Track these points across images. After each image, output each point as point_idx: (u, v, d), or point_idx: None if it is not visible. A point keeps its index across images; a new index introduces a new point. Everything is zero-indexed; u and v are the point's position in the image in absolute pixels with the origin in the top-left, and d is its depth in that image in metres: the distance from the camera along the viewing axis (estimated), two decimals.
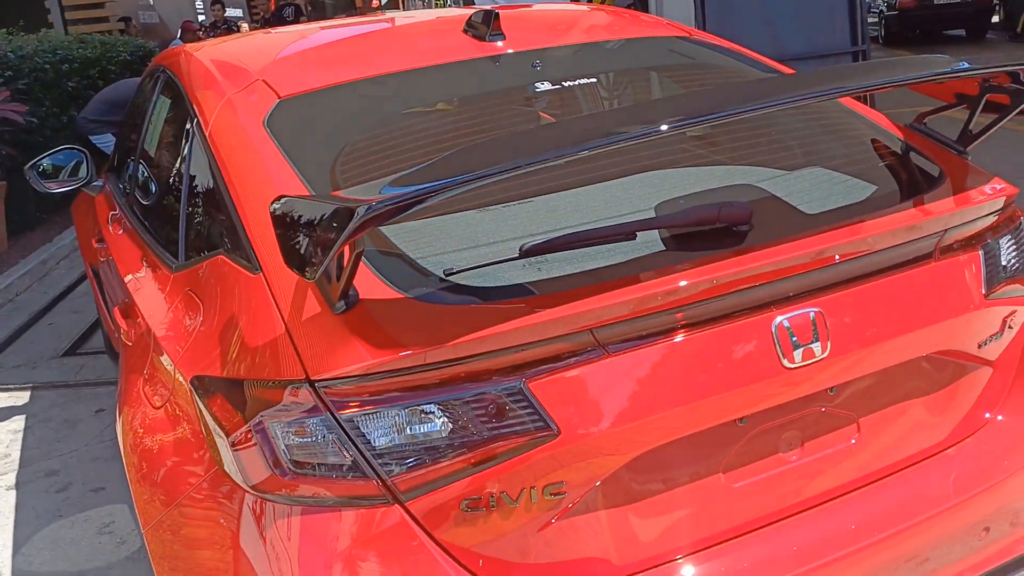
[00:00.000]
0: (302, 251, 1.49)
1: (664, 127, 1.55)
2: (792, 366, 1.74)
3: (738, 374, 1.71)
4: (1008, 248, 2.07)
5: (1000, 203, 2.04)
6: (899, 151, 2.23)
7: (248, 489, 1.66)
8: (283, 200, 1.59)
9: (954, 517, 1.89)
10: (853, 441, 1.91)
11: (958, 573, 1.92)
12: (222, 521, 1.74)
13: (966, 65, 1.99)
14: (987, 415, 2.08)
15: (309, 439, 1.58)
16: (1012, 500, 1.97)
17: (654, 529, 1.74)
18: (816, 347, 1.76)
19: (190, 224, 2.30)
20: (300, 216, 1.51)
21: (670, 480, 1.76)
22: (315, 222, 1.46)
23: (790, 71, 2.54)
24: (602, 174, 2.06)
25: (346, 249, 1.52)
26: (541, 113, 2.37)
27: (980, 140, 2.19)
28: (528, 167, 1.49)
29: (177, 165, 2.54)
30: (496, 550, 1.63)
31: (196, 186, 2.31)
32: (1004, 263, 2.05)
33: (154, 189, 2.85)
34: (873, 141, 2.29)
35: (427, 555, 1.59)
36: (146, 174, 3.02)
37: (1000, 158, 7.29)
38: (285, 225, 1.54)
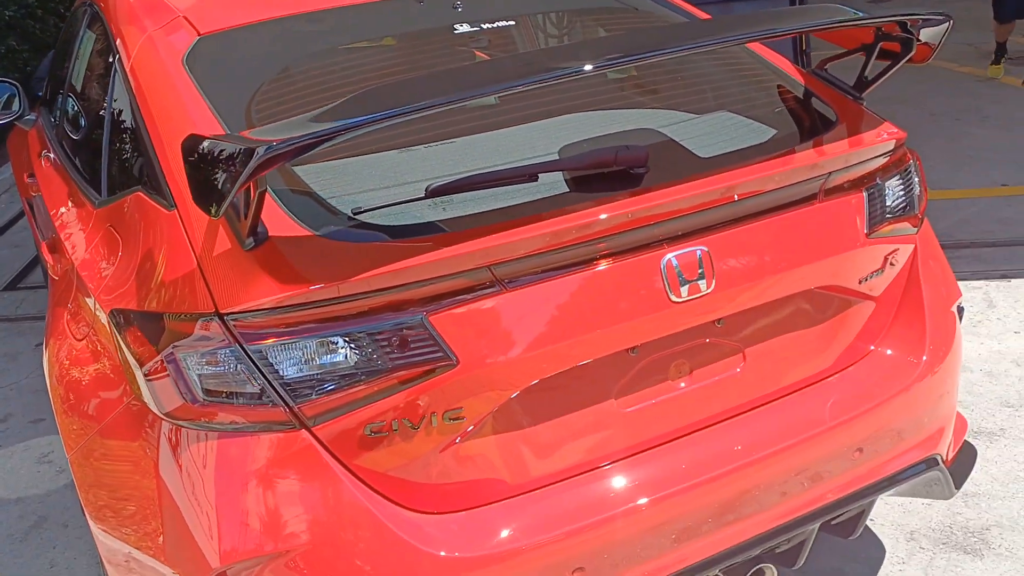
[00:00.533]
0: (207, 189, 1.56)
1: (570, 70, 1.65)
2: (679, 300, 1.86)
3: (628, 308, 1.83)
4: (894, 189, 2.20)
5: (887, 147, 2.16)
6: (800, 96, 2.34)
7: (162, 416, 1.75)
8: (192, 138, 1.65)
9: (830, 439, 2.05)
10: (738, 369, 2.05)
11: (831, 491, 2.08)
12: (141, 448, 1.83)
13: (862, 14, 2.09)
14: (871, 347, 2.24)
15: (219, 369, 1.67)
16: (884, 425, 2.13)
17: (549, 451, 1.87)
18: (702, 283, 1.88)
19: (112, 161, 2.34)
20: (207, 154, 1.58)
21: (565, 405, 1.88)
22: (219, 161, 1.53)
23: (706, 16, 2.62)
24: (517, 117, 2.14)
25: (252, 187, 1.59)
26: (462, 54, 2.43)
27: (874, 87, 2.31)
28: (427, 110, 1.56)
29: (101, 101, 2.57)
30: (400, 472, 1.75)
31: (118, 123, 2.34)
32: (889, 203, 2.18)
33: (80, 125, 2.86)
34: (778, 87, 2.39)
35: (334, 476, 1.70)
36: (73, 109, 3.03)
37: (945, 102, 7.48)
38: (193, 163, 1.61)
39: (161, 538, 1.80)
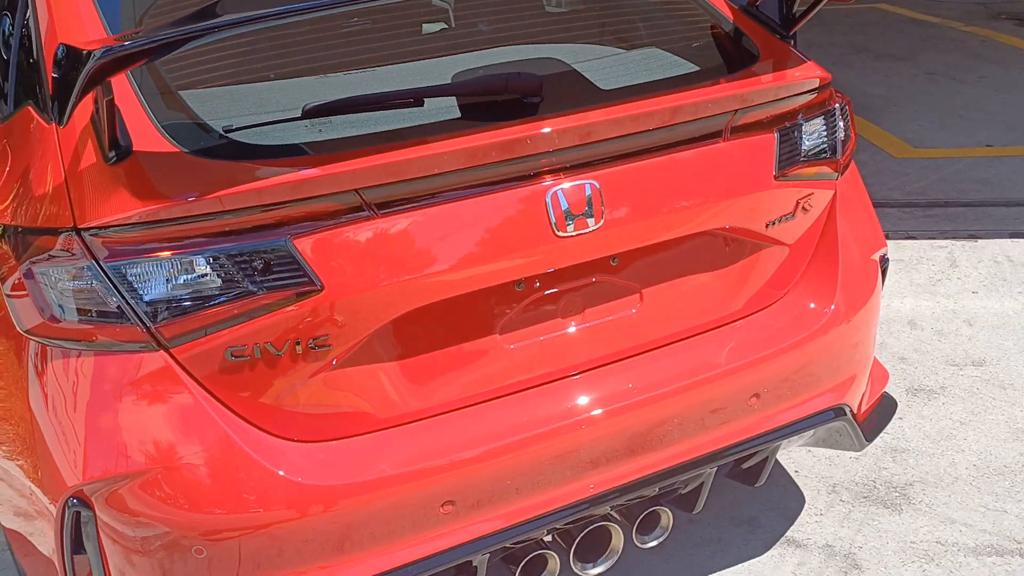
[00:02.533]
0: (58, 95, 1.51)
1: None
2: (564, 235, 1.80)
3: (509, 241, 1.78)
4: (811, 132, 2.12)
5: (804, 87, 2.08)
6: (725, 32, 2.25)
7: (23, 333, 1.72)
8: (60, 47, 1.60)
9: (725, 383, 2.01)
10: (634, 310, 2.00)
11: (727, 435, 2.04)
12: (10, 364, 1.80)
13: None
14: (781, 294, 2.18)
15: (76, 286, 1.64)
16: (785, 372, 2.08)
17: (426, 384, 1.84)
18: (590, 219, 1.82)
19: (17, 76, 2.29)
20: (60, 61, 1.53)
21: (444, 338, 1.84)
22: (67, 66, 1.48)
23: None
24: (428, 48, 2.08)
25: (101, 96, 1.55)
26: None
27: (800, 24, 2.21)
28: (282, 19, 1.51)
29: (8, 14, 2.50)
30: (266, 398, 1.72)
31: (22, 38, 2.28)
32: (805, 146, 2.11)
33: None
34: (707, 24, 2.30)
35: (193, 399, 1.67)
36: None
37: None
38: (56, 72, 1.56)
39: (26, 454, 1.79)
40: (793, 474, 2.82)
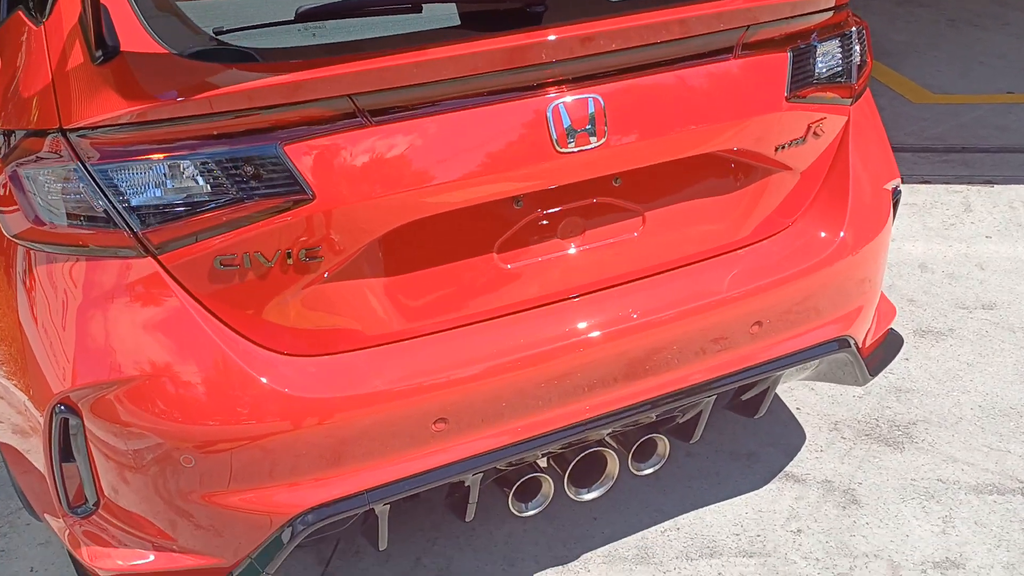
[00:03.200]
0: None
1: None
2: (565, 151, 1.75)
3: (508, 155, 1.73)
4: (826, 54, 2.05)
5: (821, 5, 2.00)
6: None
7: (10, 238, 1.68)
8: None
9: (727, 309, 1.96)
10: (636, 234, 1.95)
11: (727, 363, 2.00)
12: (2, 279, 1.77)
13: None
14: (789, 222, 2.12)
15: (62, 188, 1.60)
16: (789, 300, 2.03)
17: (421, 301, 1.80)
18: (593, 136, 1.76)
19: None
20: None
21: (439, 255, 1.80)
22: None
23: None
24: None
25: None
26: None
27: None
28: None
29: None
30: (254, 310, 1.68)
31: None
32: (819, 68, 2.03)
33: None
34: None
35: (181, 308, 1.64)
36: None
37: None
38: None
39: (18, 367, 1.76)
40: (794, 411, 2.79)
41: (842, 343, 2.15)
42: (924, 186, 4.22)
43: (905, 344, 3.05)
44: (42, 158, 1.61)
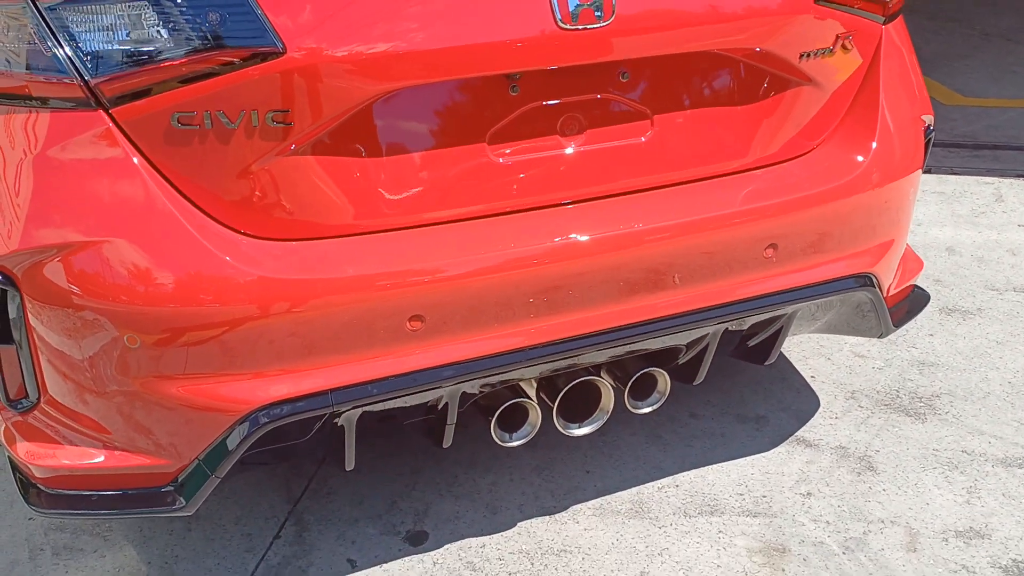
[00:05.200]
0: None
1: None
2: (567, 27, 1.59)
3: (505, 24, 1.57)
4: None
5: None
6: None
7: None
8: None
9: (739, 226, 1.79)
10: (643, 139, 1.78)
11: (737, 287, 1.82)
12: None
13: None
14: (813, 144, 1.95)
15: (10, 29, 1.46)
16: (807, 225, 1.85)
17: (401, 186, 1.63)
18: (598, 12, 1.60)
19: None
20: None
21: (424, 137, 1.64)
22: None
23: None
24: None
25: None
26: None
27: None
28: None
29: None
30: (213, 180, 1.52)
31: None
32: None
33: None
34: None
35: (134, 169, 1.48)
36: None
37: None
38: None
39: None
40: (809, 379, 2.59)
41: (864, 280, 1.96)
42: (953, 176, 4.03)
43: (930, 320, 2.88)
44: None
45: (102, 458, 1.61)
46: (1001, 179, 4.01)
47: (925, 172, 4.06)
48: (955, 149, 4.41)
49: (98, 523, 2.10)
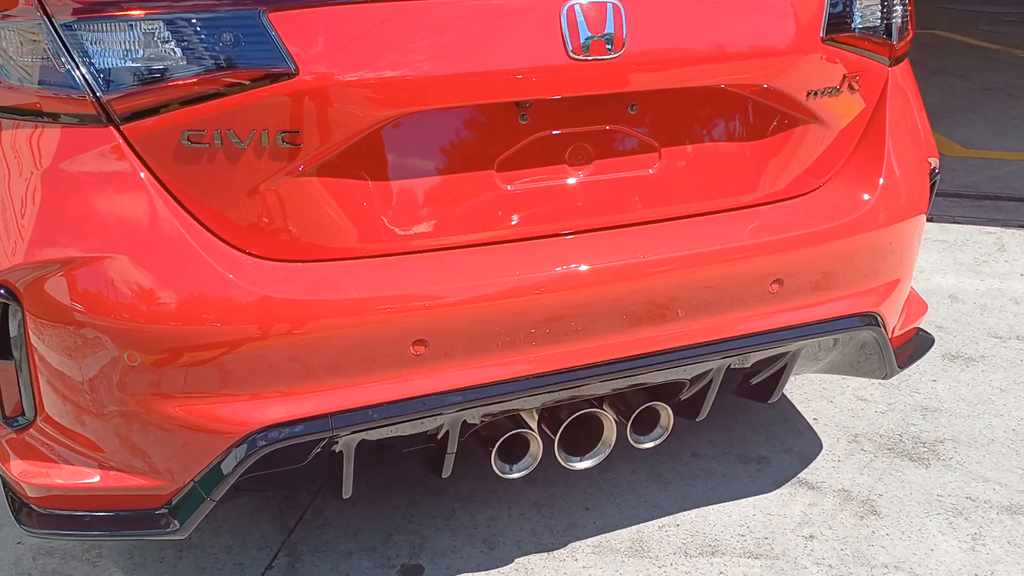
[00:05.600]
0: None
1: None
2: (578, 58, 1.60)
3: (516, 52, 1.58)
4: (866, 4, 1.91)
5: None
6: None
7: None
8: None
9: (746, 260, 1.78)
10: (651, 171, 1.78)
11: (741, 321, 1.81)
12: None
13: None
14: (819, 181, 1.95)
15: (24, 45, 1.46)
16: (812, 262, 1.85)
17: (408, 212, 1.63)
18: (609, 44, 1.61)
19: None
20: None
21: (430, 162, 1.64)
22: None
23: None
24: None
25: None
26: None
27: None
28: None
29: None
30: (221, 199, 1.52)
31: None
32: (857, 16, 1.89)
33: None
34: None
35: (143, 187, 1.48)
36: None
37: None
38: None
39: None
40: (811, 421, 2.57)
41: (869, 320, 1.95)
42: (955, 226, 4.05)
43: (933, 366, 2.86)
44: (8, 14, 1.48)
45: (97, 478, 1.58)
46: (1004, 229, 4.02)
47: (928, 221, 4.09)
48: (957, 199, 4.43)
49: (88, 548, 2.06)
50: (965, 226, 4.04)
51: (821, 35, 1.82)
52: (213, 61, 1.45)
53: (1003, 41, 8.78)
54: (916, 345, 2.22)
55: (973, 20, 9.96)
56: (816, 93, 1.86)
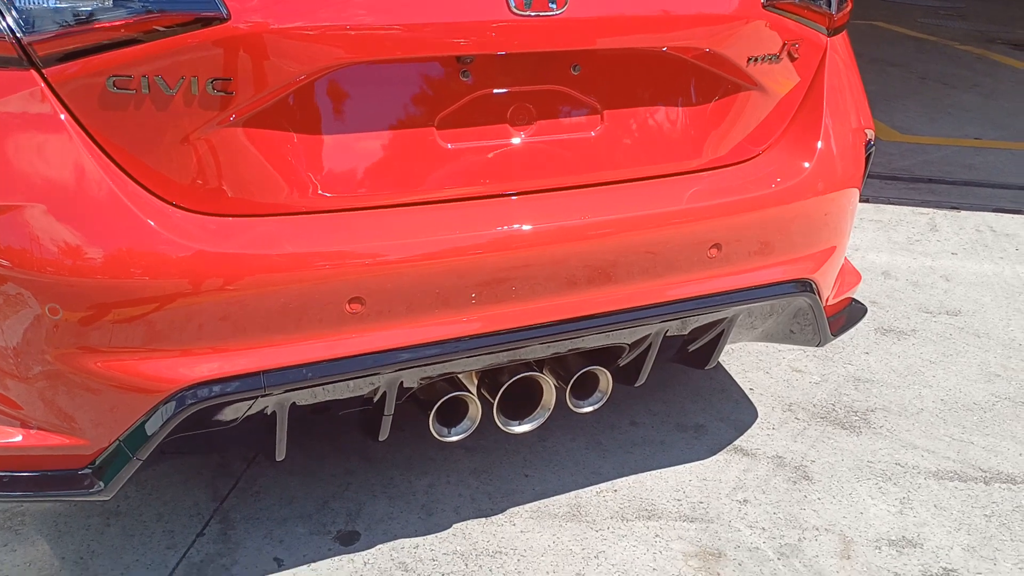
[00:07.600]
0: None
1: None
2: (520, 13, 1.58)
3: (458, 4, 1.55)
4: None
5: None
6: None
7: None
8: None
9: (686, 224, 1.79)
10: (593, 133, 1.78)
11: (680, 285, 1.82)
12: None
13: None
14: (757, 149, 1.97)
15: None
16: (751, 227, 1.86)
17: (345, 167, 1.60)
18: (552, 2, 1.60)
19: None
20: None
21: (372, 117, 1.61)
22: None
23: None
24: None
25: None
26: None
27: None
28: None
29: None
30: (149, 148, 1.47)
31: None
32: None
33: None
34: None
35: (65, 132, 1.42)
36: None
37: None
38: None
39: None
40: (748, 391, 2.61)
41: (804, 286, 1.98)
42: (890, 206, 4.13)
43: (866, 339, 2.92)
44: None
45: (20, 437, 1.53)
46: (936, 210, 4.12)
47: (863, 201, 4.16)
48: (892, 181, 4.53)
49: (10, 516, 2.00)
50: (899, 207, 4.13)
51: (762, 1, 1.83)
52: (141, 3, 1.40)
53: (940, 33, 8.98)
54: (849, 314, 2.26)
55: (911, 13, 10.17)
56: (757, 59, 1.87)
